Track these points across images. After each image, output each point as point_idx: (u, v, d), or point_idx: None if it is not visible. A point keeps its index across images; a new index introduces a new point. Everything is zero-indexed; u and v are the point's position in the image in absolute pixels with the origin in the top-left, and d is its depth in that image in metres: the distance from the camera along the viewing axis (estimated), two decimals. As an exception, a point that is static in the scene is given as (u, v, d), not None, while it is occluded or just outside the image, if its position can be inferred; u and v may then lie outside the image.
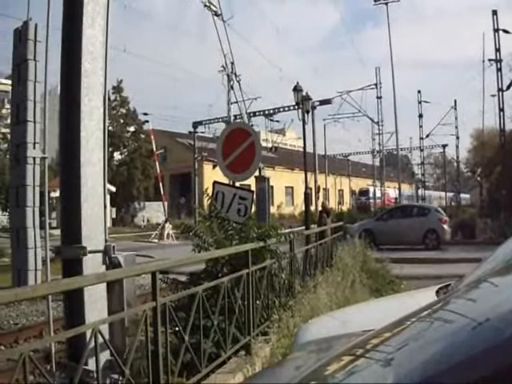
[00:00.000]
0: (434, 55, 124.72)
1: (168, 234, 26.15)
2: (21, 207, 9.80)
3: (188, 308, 3.74)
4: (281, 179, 41.92)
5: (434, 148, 40.59)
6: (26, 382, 2.06)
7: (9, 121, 18.19)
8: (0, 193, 26.80)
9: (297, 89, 17.55)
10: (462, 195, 41.47)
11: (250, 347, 4.51)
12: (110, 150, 38.22)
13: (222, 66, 23.20)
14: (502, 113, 22.02)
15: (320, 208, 16.56)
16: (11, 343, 7.05)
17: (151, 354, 2.95)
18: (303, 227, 13.44)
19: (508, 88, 21.88)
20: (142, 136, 40.76)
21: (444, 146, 38.76)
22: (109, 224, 3.99)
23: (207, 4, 17.96)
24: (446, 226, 18.31)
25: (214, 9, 17.25)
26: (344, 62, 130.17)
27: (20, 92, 9.76)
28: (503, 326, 1.23)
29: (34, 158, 9.32)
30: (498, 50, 21.99)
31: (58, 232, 3.55)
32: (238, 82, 21.01)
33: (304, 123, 16.62)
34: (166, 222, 27.16)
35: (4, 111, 30.09)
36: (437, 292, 3.20)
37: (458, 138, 36.04)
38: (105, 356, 2.81)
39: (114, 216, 35.94)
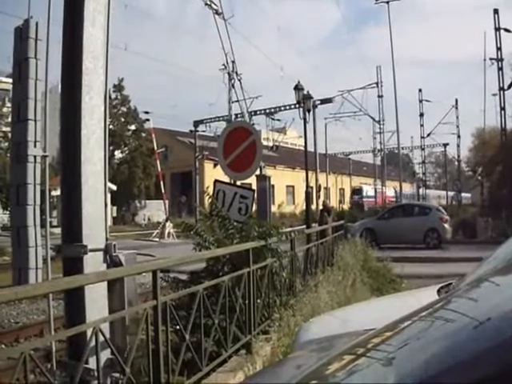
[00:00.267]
0: (435, 54, 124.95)
1: (169, 233, 26.16)
2: (21, 206, 9.80)
3: (189, 307, 3.75)
4: (282, 178, 41.91)
5: (435, 147, 40.70)
6: (27, 381, 2.06)
7: (9, 119, 18.23)
8: (1, 191, 26.82)
9: (298, 87, 17.54)
10: (463, 194, 41.45)
11: (250, 346, 4.51)
12: (111, 148, 38.30)
13: (223, 65, 23.30)
14: (503, 112, 22.05)
15: (321, 207, 16.56)
16: (12, 342, 7.05)
17: (152, 352, 2.95)
18: (304, 226, 13.45)
19: (509, 87, 21.89)
20: (143, 134, 40.84)
21: (445, 145, 38.82)
22: (109, 223, 3.99)
23: (208, 2, 17.98)
24: (447, 225, 18.30)
25: (215, 7, 17.28)
26: (345, 61, 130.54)
27: (21, 90, 9.76)
28: (505, 325, 1.22)
29: (35, 157, 9.31)
30: (499, 48, 21.99)
31: (58, 230, 3.55)
32: (239, 80, 21.08)
33: (305, 122, 16.63)
34: (166, 220, 27.15)
35: (5, 109, 30.10)
36: (438, 291, 3.20)
37: (459, 136, 36.16)
38: (105, 355, 2.80)
39: (114, 215, 36.06)
